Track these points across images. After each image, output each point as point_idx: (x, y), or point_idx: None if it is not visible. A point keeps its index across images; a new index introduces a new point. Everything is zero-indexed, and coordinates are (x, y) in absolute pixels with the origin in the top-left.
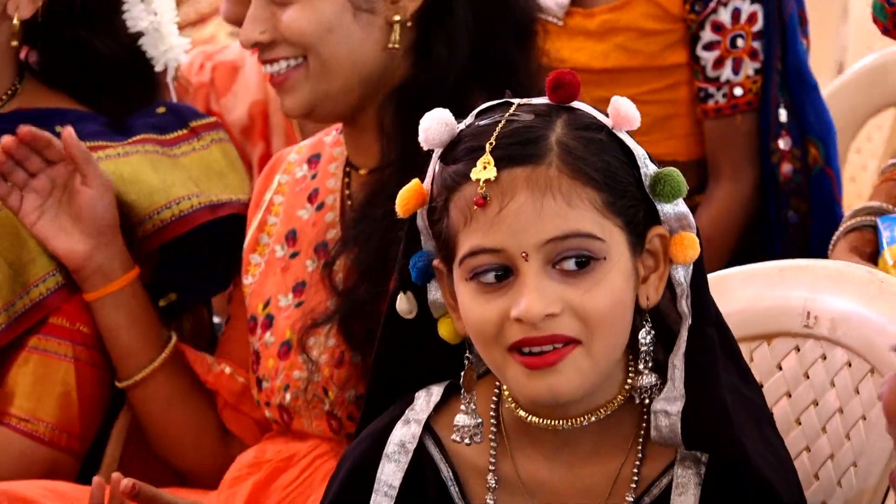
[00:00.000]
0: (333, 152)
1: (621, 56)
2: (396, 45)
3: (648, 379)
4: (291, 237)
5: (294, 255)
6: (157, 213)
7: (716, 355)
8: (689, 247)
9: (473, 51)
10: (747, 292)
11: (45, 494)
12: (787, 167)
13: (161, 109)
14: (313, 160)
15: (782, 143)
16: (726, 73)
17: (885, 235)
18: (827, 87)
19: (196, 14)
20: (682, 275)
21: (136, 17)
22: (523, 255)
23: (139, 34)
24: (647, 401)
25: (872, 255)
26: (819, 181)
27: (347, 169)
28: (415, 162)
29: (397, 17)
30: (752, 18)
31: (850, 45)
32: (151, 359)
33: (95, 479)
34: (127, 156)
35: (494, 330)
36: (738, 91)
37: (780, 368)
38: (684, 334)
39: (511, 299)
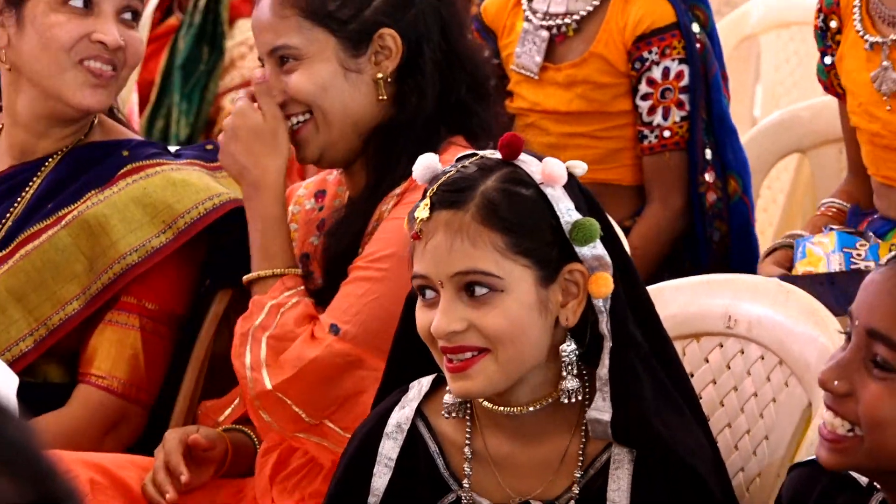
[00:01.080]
0: (337, 190)
1: (581, 102)
2: (384, 97)
3: (571, 384)
4: (305, 260)
5: (309, 276)
6: (200, 204)
7: (637, 371)
8: (602, 285)
9: (438, 100)
10: (680, 300)
11: (128, 467)
12: (711, 196)
13: (209, 146)
14: (319, 195)
15: (708, 177)
16: (657, 119)
17: (798, 252)
18: (744, 136)
19: (241, 78)
20: (601, 305)
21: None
22: (439, 282)
23: None
24: (573, 399)
25: (790, 268)
26: (737, 208)
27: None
28: (384, 188)
29: (380, 75)
30: (679, 76)
31: (762, 101)
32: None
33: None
34: (179, 170)
35: (428, 336)
36: (666, 133)
37: (707, 361)
38: (606, 352)
39: (434, 314)
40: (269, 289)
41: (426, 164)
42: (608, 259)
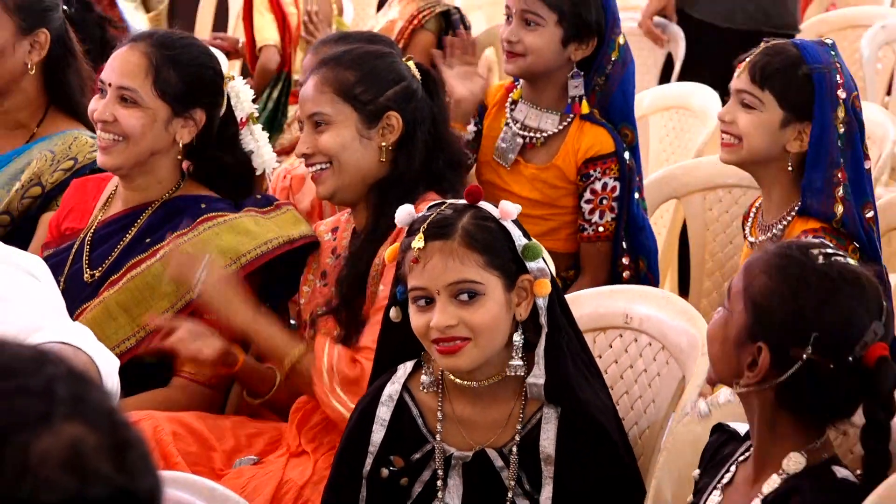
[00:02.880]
0: (347, 226)
1: (538, 194)
2: (384, 160)
3: (518, 362)
4: (323, 276)
5: (325, 285)
6: (256, 248)
7: (563, 350)
8: (544, 287)
9: (422, 166)
10: (592, 303)
11: (201, 421)
12: (626, 273)
13: (259, 196)
14: (335, 230)
15: (625, 260)
16: (595, 218)
17: None
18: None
19: (288, 143)
20: (541, 303)
21: (247, 142)
22: (437, 291)
23: (249, 152)
24: (518, 374)
25: None
26: (645, 280)
27: (355, 235)
28: (382, 229)
29: (384, 144)
30: (613, 189)
31: (650, 162)
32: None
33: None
34: (240, 218)
35: (424, 331)
36: (600, 229)
37: (611, 347)
38: (543, 338)
39: (431, 316)
40: (309, 361)
41: (406, 212)
42: (547, 270)
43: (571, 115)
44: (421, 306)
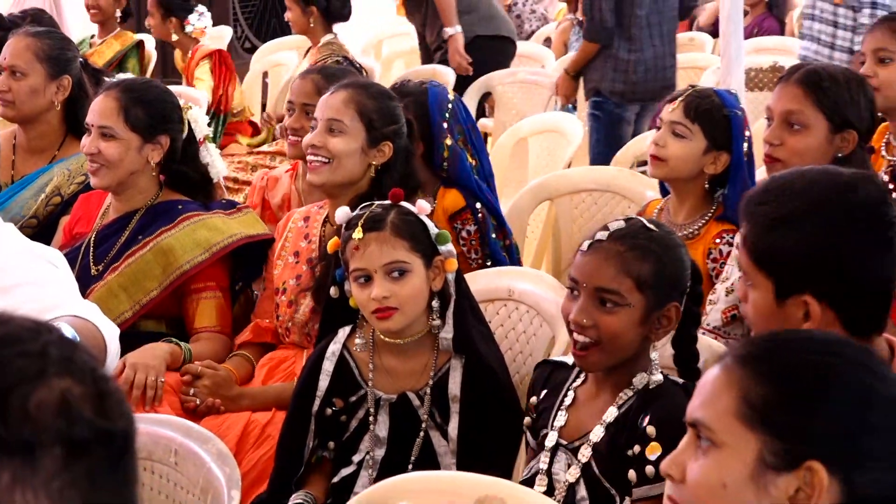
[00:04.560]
0: (317, 217)
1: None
2: (370, 175)
3: (436, 322)
4: (296, 254)
5: (297, 263)
6: (226, 238)
7: (466, 313)
8: (453, 264)
9: (395, 184)
10: (484, 281)
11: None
12: None
13: (224, 201)
14: (306, 219)
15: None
16: (472, 255)
17: None
18: (520, 190)
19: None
20: (450, 277)
21: (204, 157)
22: (374, 270)
23: (206, 164)
24: (433, 332)
25: None
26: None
27: (325, 224)
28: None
29: (373, 163)
30: (475, 234)
31: (530, 173)
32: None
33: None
34: (211, 217)
35: (366, 302)
36: (480, 261)
37: (498, 314)
38: (452, 302)
39: (371, 291)
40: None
41: (343, 213)
42: (454, 252)
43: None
44: (361, 283)
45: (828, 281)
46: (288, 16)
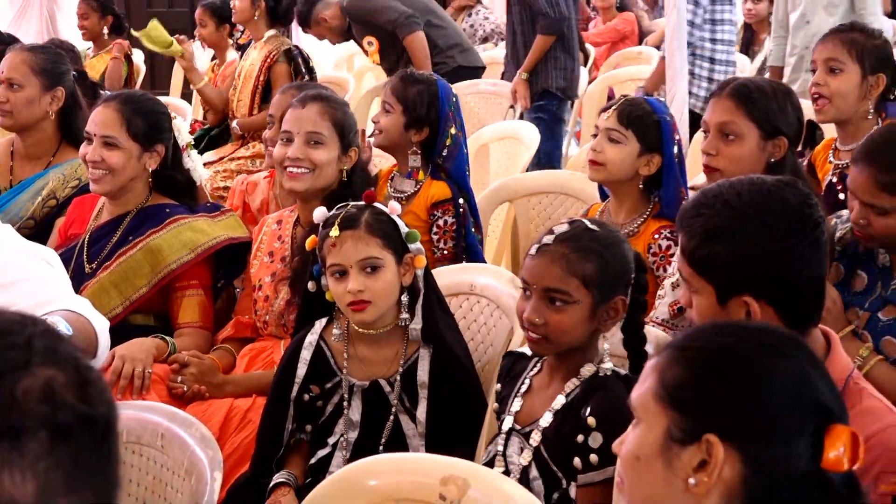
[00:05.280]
0: (289, 220)
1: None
2: (342, 178)
3: (405, 315)
4: (270, 254)
5: (272, 262)
6: (210, 240)
7: (434, 305)
8: (422, 260)
9: (361, 182)
10: (448, 276)
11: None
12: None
13: (208, 204)
14: (279, 222)
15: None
16: (441, 244)
17: None
18: (482, 192)
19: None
20: (419, 273)
21: (187, 163)
22: (350, 266)
23: (188, 170)
24: (403, 324)
25: None
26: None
27: (296, 225)
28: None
29: (344, 168)
30: (451, 225)
31: (491, 175)
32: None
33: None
34: (196, 220)
35: (341, 296)
36: (445, 252)
37: (461, 307)
38: (421, 295)
39: (346, 285)
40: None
41: (321, 212)
42: (423, 249)
43: (418, 178)
44: (337, 278)
45: (763, 282)
46: (234, 3)
